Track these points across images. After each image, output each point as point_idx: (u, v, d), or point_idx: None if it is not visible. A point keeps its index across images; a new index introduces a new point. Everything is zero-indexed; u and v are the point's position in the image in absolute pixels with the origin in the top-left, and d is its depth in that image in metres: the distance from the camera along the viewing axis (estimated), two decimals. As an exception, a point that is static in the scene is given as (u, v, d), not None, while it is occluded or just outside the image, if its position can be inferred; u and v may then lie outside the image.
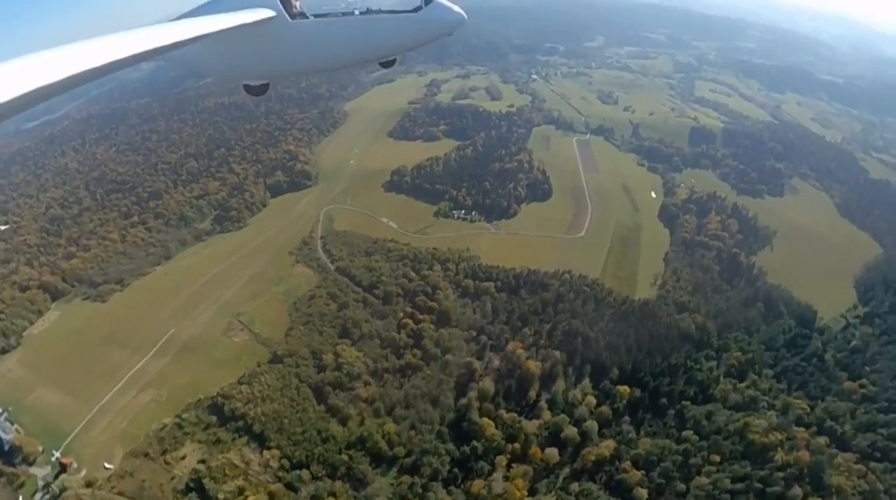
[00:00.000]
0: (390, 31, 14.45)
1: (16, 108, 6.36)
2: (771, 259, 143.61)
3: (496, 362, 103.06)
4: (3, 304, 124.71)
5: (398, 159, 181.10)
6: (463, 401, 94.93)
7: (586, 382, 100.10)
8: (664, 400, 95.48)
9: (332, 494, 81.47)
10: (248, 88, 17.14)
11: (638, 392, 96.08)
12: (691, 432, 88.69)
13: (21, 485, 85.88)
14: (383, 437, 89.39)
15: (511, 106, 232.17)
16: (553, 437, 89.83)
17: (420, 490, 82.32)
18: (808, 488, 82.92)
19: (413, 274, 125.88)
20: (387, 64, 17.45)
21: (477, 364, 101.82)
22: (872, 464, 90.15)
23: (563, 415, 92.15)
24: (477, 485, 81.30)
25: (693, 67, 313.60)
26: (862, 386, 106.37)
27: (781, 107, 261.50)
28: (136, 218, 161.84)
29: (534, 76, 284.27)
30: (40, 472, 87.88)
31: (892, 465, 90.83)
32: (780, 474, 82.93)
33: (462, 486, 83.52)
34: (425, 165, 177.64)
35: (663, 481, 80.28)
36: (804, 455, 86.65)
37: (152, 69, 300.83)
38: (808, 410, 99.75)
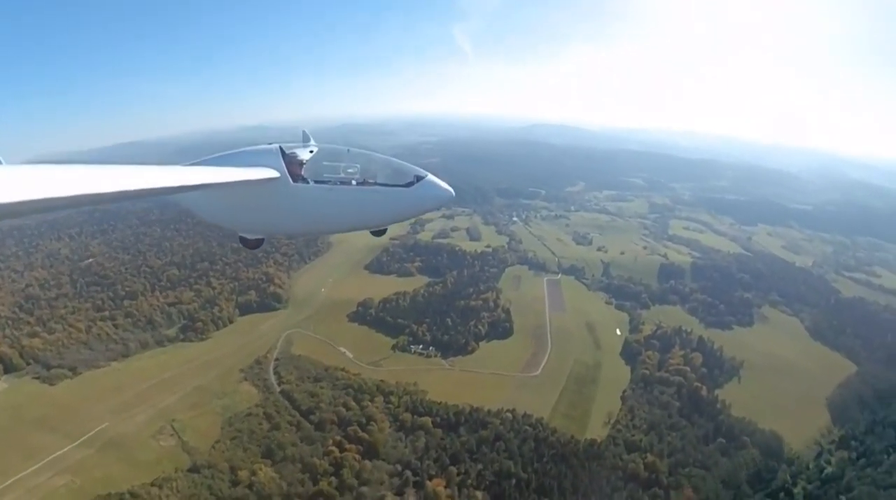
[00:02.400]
0: (383, 203, 15.38)
1: (13, 212, 6.57)
2: (737, 391, 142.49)
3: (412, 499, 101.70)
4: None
5: (368, 291, 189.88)
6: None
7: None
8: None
9: None
10: (243, 240, 17.63)
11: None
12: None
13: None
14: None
15: (488, 246, 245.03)
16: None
17: None
18: None
19: (353, 404, 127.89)
20: (378, 233, 18.61)
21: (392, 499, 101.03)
22: None
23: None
24: None
25: (668, 207, 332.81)
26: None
27: (752, 238, 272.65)
28: (107, 313, 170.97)
29: (514, 218, 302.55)
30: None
31: None
32: None
33: None
34: (392, 298, 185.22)
35: None
36: None
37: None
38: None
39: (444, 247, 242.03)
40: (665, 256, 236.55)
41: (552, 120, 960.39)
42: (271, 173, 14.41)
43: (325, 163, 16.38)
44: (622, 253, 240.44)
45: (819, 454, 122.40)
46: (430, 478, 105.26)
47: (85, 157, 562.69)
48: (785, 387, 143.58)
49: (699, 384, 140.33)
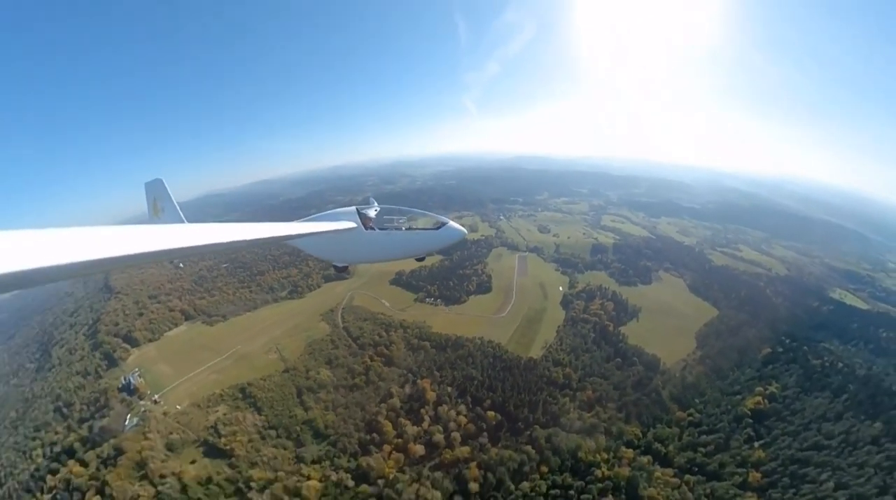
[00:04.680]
0: (422, 241, 15.47)
1: (203, 253, 6.59)
2: (635, 327, 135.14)
3: (407, 390, 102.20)
4: (157, 315, 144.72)
5: (403, 266, 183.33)
6: (377, 409, 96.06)
7: (462, 407, 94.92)
8: (520, 424, 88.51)
9: (284, 447, 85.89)
10: (335, 267, 17.60)
11: (500, 417, 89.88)
12: (530, 447, 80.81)
13: (132, 409, 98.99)
14: (324, 423, 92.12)
15: (482, 235, 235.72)
16: (428, 440, 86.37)
17: (333, 457, 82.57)
18: (623, 497, 72.31)
19: (384, 333, 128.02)
20: (420, 259, 17.94)
21: (396, 389, 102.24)
22: (687, 477, 77.89)
23: (437, 426, 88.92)
24: (364, 460, 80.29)
25: (601, 207, 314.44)
26: (689, 414, 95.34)
27: (657, 226, 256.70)
28: (245, 284, 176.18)
29: (501, 217, 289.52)
30: (144, 404, 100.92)
31: (706, 477, 78.08)
32: (599, 485, 73.09)
33: (356, 458, 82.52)
34: (417, 270, 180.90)
35: (495, 481, 72.59)
36: (624, 471, 76.80)
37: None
38: (641, 435, 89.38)
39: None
40: (596, 239, 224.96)
41: (530, 153, 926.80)
42: (351, 224, 14.81)
43: (384, 217, 16.38)
44: (568, 237, 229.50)
45: (684, 368, 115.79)
46: (422, 378, 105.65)
47: (235, 190, 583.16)
48: (668, 324, 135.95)
49: (608, 323, 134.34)
